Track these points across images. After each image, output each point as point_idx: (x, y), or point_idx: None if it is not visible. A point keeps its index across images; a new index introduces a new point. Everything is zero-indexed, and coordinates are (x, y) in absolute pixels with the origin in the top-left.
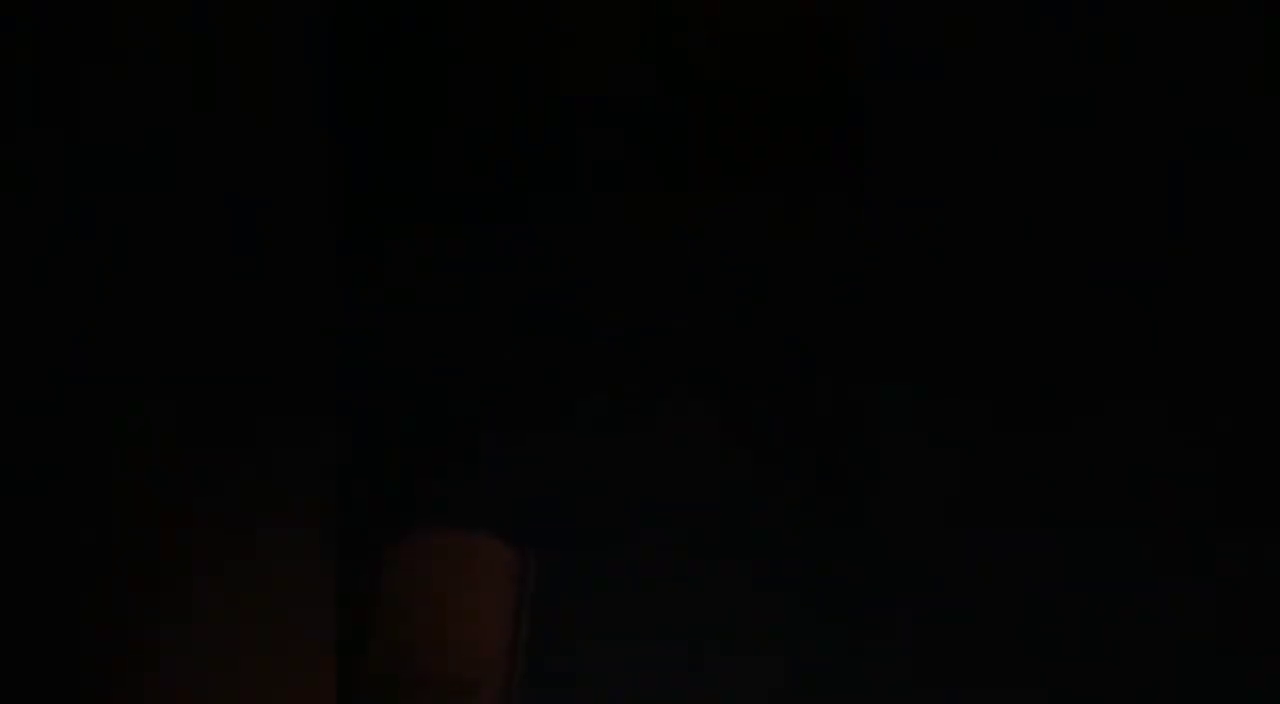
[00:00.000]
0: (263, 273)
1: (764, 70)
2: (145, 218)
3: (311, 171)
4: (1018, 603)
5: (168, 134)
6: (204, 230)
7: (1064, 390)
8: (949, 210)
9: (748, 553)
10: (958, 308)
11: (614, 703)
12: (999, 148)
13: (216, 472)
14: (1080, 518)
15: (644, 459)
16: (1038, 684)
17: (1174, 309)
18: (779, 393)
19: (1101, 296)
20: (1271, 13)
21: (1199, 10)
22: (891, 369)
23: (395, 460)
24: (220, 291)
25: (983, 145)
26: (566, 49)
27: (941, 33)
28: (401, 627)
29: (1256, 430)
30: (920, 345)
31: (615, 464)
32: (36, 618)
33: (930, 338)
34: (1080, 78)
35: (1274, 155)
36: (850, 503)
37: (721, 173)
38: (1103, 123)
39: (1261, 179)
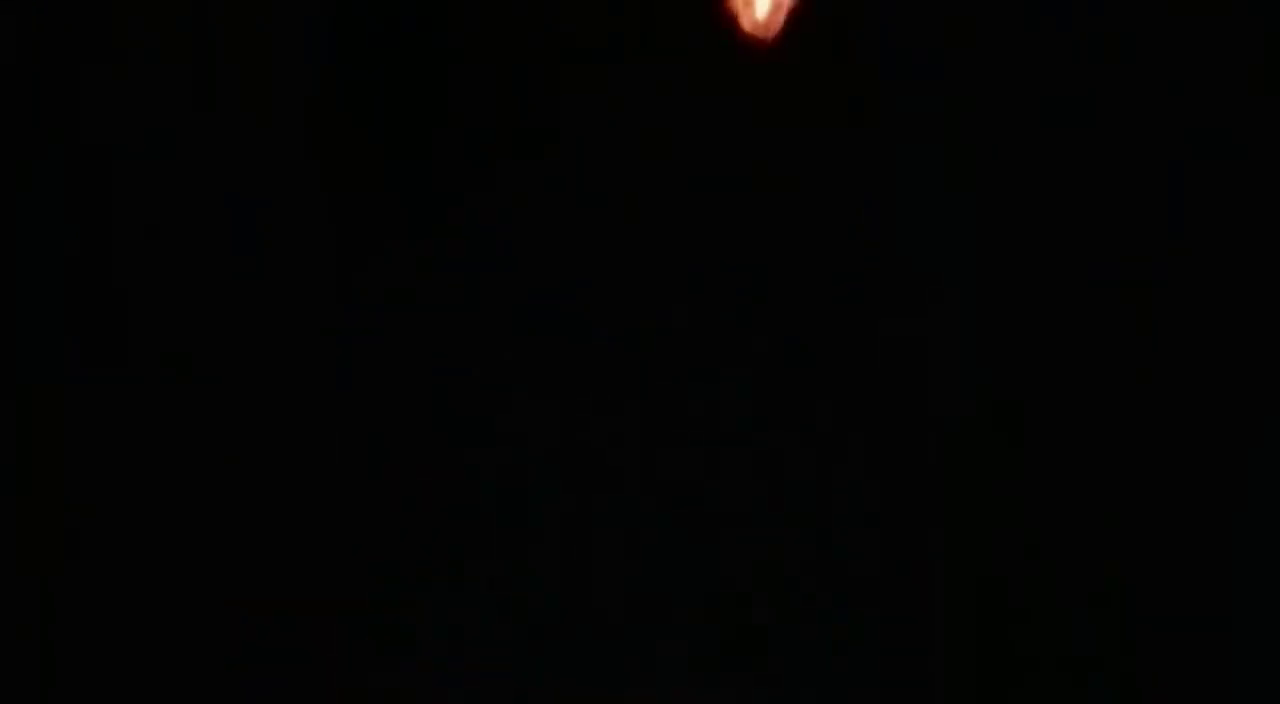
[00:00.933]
0: (263, 273)
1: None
2: (144, 217)
3: (311, 171)
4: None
5: (167, 134)
6: (204, 230)
7: (1067, 390)
8: (952, 210)
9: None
10: (957, 303)
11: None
12: (1000, 147)
13: (217, 471)
14: (1085, 521)
15: (642, 456)
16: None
17: (1180, 310)
18: (778, 394)
19: (1102, 295)
20: (1272, 13)
21: (1200, 10)
22: (892, 368)
23: (396, 460)
24: (221, 291)
25: (984, 144)
26: (567, 49)
27: (942, 33)
28: None
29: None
30: (920, 343)
31: (614, 460)
32: (26, 623)
33: (931, 333)
34: (1080, 78)
35: (1274, 155)
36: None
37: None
38: (1103, 123)
39: (1262, 179)
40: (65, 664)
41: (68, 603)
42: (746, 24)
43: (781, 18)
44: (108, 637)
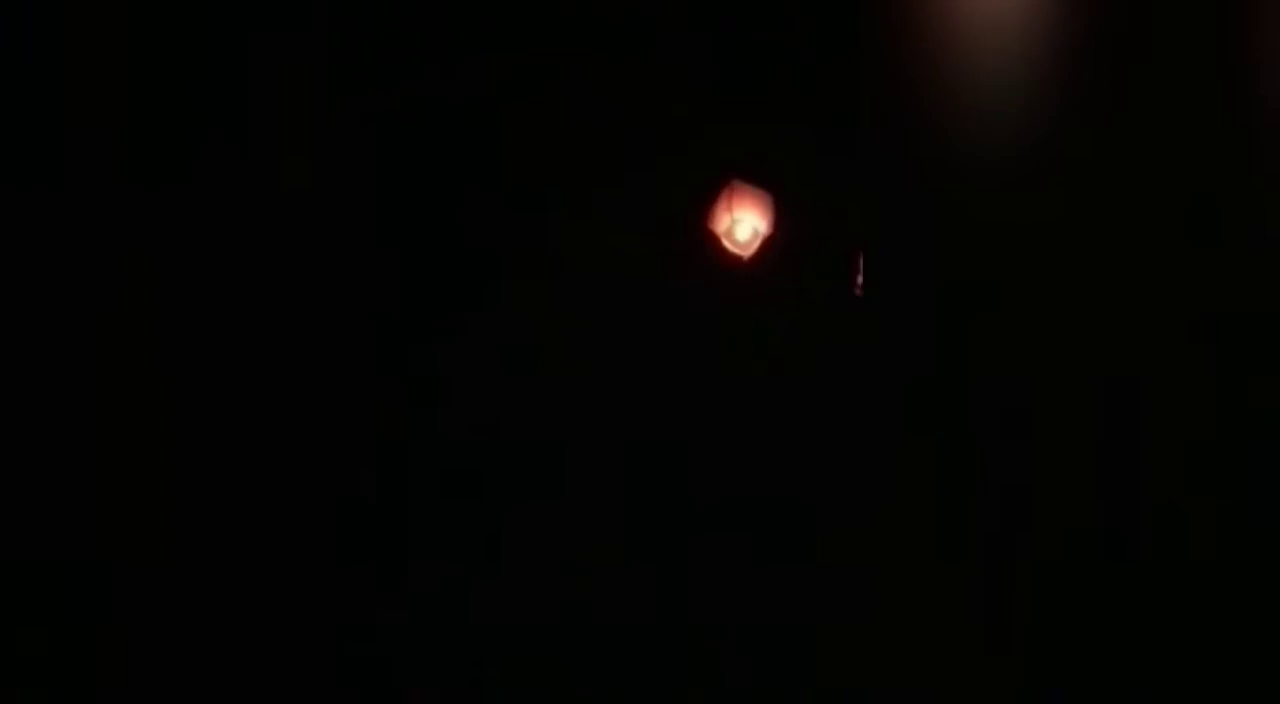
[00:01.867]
0: (270, 272)
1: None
2: (147, 218)
3: (312, 168)
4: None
5: (174, 135)
6: (209, 233)
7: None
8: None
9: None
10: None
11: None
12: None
13: (225, 473)
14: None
15: (640, 454)
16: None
17: (1192, 309)
18: (775, 396)
19: (1106, 297)
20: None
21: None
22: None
23: (401, 459)
24: (223, 292)
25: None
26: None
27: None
28: None
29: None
30: (917, 341)
31: (613, 456)
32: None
33: (926, 331)
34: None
35: (1274, 155)
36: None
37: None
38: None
39: (1261, 178)
40: None
41: None
42: (729, 245)
43: (758, 242)
44: None
